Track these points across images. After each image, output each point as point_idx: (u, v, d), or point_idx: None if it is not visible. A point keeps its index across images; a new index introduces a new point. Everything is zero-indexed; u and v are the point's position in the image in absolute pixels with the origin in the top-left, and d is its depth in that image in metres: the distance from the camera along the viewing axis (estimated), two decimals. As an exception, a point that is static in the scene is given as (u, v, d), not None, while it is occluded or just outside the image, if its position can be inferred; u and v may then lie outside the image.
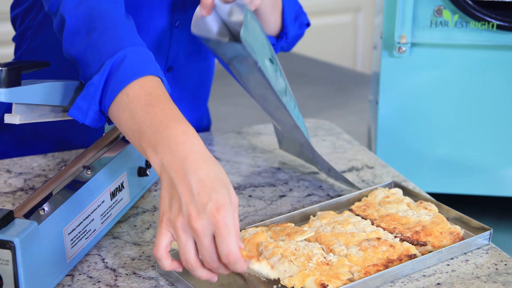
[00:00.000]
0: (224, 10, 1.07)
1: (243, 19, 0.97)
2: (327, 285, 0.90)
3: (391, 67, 1.49)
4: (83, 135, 1.30)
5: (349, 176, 1.26)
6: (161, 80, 0.95)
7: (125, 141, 1.13)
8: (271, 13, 1.23)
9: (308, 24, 1.32)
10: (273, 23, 1.25)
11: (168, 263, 0.86)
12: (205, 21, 1.07)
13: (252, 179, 1.24)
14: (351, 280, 0.92)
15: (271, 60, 1.03)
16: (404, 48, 1.46)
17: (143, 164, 1.15)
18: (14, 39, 1.39)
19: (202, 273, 0.86)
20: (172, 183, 0.84)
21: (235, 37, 1.07)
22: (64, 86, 1.01)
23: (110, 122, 0.97)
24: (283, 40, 1.28)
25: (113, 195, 1.05)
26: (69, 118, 1.02)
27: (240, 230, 1.01)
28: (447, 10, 1.43)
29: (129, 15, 1.05)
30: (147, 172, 1.14)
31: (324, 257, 0.94)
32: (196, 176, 0.83)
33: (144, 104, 0.90)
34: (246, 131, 1.47)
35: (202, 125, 1.50)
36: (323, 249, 0.98)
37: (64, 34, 1.01)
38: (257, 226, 1.03)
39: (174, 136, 0.86)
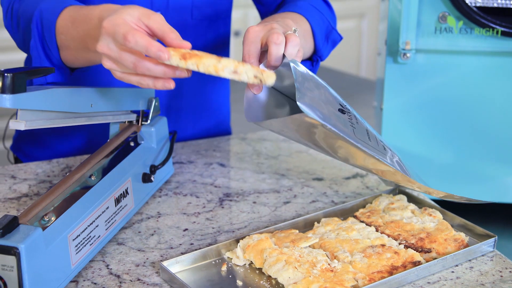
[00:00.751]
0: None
1: (294, 83, 0.92)
2: None
3: (396, 73, 1.48)
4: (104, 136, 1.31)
5: (353, 183, 1.26)
6: (77, 5, 1.07)
7: (129, 147, 1.13)
8: (304, 44, 1.17)
9: (340, 39, 1.28)
10: (307, 51, 1.20)
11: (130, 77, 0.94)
12: (258, 101, 1.02)
13: (256, 185, 1.24)
14: (355, 287, 0.92)
15: (341, 110, 0.97)
16: (408, 54, 1.45)
17: (147, 170, 1.15)
18: None
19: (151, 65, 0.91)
20: (105, 40, 0.92)
21: (293, 99, 1.03)
22: (70, 92, 1.01)
23: (72, 70, 1.10)
24: (318, 63, 1.24)
25: (117, 201, 1.05)
26: (76, 124, 1.04)
27: (245, 237, 1.01)
28: (451, 17, 1.43)
29: None
30: (152, 178, 1.14)
31: (329, 264, 0.94)
32: (104, 18, 0.92)
33: (71, 24, 1.02)
34: (251, 137, 1.47)
35: (222, 129, 1.50)
36: (327, 256, 0.98)
37: (13, 39, 1.19)
38: (261, 233, 1.03)
39: (97, 16, 0.96)
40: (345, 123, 0.95)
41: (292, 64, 0.94)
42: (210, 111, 1.48)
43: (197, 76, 1.38)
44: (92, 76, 1.29)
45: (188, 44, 0.90)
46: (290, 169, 1.32)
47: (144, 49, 0.88)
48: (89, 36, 0.99)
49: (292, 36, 0.97)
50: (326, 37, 1.23)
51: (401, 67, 1.47)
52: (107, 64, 0.93)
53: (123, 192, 1.07)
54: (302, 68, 0.96)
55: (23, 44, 1.16)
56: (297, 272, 0.92)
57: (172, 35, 0.90)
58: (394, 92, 1.49)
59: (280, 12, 1.20)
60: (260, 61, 0.99)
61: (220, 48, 1.41)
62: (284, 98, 1.04)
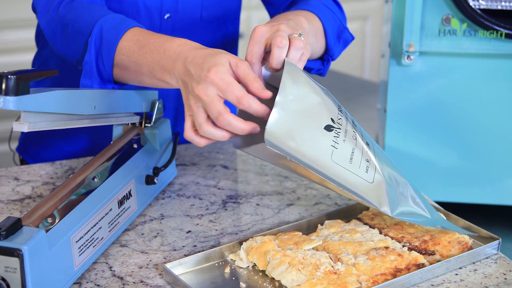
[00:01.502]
0: (275, 78, 1.00)
1: (277, 95, 0.90)
2: None
3: (399, 75, 1.48)
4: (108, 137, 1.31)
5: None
6: (140, 27, 1.08)
7: (133, 149, 1.13)
8: (315, 43, 1.16)
9: (352, 39, 1.27)
10: (318, 50, 1.19)
11: (198, 138, 0.95)
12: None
13: (259, 187, 1.24)
14: (359, 289, 0.92)
15: (328, 127, 0.93)
16: (412, 57, 1.45)
17: (150, 172, 1.15)
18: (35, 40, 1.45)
19: (214, 131, 0.93)
20: (186, 85, 0.94)
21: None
22: (73, 94, 1.01)
23: (116, 84, 1.11)
24: (329, 62, 1.23)
25: (120, 203, 1.05)
26: (79, 126, 1.05)
27: (248, 239, 1.01)
28: (455, 19, 1.42)
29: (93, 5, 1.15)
30: (155, 180, 1.14)
31: (332, 266, 0.94)
32: (192, 63, 0.93)
33: (139, 49, 1.03)
34: None
35: None
36: (330, 258, 0.97)
37: (48, 40, 1.16)
38: (264, 235, 1.03)
39: (174, 51, 0.97)
40: (324, 145, 0.92)
41: (285, 75, 0.91)
42: None
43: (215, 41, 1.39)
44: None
45: (268, 94, 0.92)
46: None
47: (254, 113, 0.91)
48: (159, 66, 0.99)
49: (296, 40, 0.96)
50: (337, 36, 1.23)
51: (404, 69, 1.47)
52: (192, 105, 0.93)
53: (126, 194, 1.07)
54: (298, 77, 0.93)
55: (62, 48, 1.15)
56: (301, 274, 0.92)
57: (256, 84, 0.92)
58: (397, 94, 1.49)
59: (292, 10, 1.19)
60: (263, 62, 0.99)
61: (228, 48, 1.41)
62: None
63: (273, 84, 1.00)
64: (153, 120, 1.19)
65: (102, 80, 1.10)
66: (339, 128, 0.94)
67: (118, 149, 1.11)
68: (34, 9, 1.38)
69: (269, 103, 0.93)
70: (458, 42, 1.44)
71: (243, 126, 0.91)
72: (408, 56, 1.45)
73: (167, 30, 1.30)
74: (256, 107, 0.90)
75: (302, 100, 0.92)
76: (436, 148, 1.49)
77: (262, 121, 0.93)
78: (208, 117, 0.92)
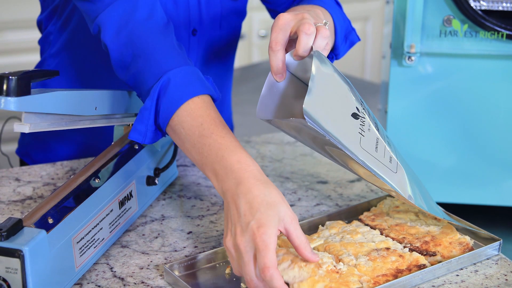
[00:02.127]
0: (299, 67, 1.00)
1: (309, 81, 0.90)
2: None
3: (400, 76, 1.47)
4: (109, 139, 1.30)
5: (358, 186, 1.26)
6: (210, 95, 1.01)
7: (133, 150, 1.13)
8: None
9: (358, 40, 1.27)
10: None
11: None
12: (275, 94, 1.01)
13: (260, 188, 1.24)
14: (360, 290, 0.92)
15: (355, 115, 0.95)
16: (413, 58, 1.44)
17: (151, 173, 1.15)
18: (39, 42, 1.40)
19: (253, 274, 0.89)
20: (228, 207, 0.91)
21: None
22: (74, 95, 1.01)
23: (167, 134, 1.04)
24: (333, 60, 1.23)
25: (121, 204, 1.05)
26: (80, 127, 1.05)
27: None
28: (456, 20, 1.42)
29: (168, 28, 1.07)
30: (156, 181, 1.14)
31: (334, 266, 0.94)
32: (245, 199, 0.89)
33: (199, 136, 0.97)
34: (255, 140, 1.46)
35: None
36: (332, 259, 0.97)
37: (112, 63, 1.07)
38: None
39: (230, 166, 0.93)
40: (353, 131, 0.94)
41: (315, 59, 0.92)
42: None
43: (205, 71, 1.38)
44: (98, 78, 1.29)
45: (316, 259, 0.92)
46: (294, 172, 1.31)
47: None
48: (211, 167, 0.95)
49: (322, 28, 0.96)
50: (345, 36, 1.23)
51: (405, 70, 1.46)
52: (230, 248, 0.90)
53: (127, 195, 1.07)
54: (327, 64, 0.94)
55: (125, 76, 1.07)
56: (303, 271, 0.92)
57: (308, 248, 0.91)
58: (398, 95, 1.48)
59: (305, 3, 1.19)
60: (286, 50, 0.98)
61: (231, 46, 1.41)
62: (305, 89, 1.02)
63: (296, 73, 1.01)
64: None
65: (155, 131, 1.04)
66: (364, 118, 0.96)
67: (119, 150, 1.11)
68: (40, 24, 1.36)
69: (293, 101, 0.95)
70: (459, 43, 1.43)
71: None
72: (409, 57, 1.44)
73: (194, 46, 1.29)
74: (277, 284, 0.87)
75: (330, 87, 0.93)
76: (437, 149, 1.49)
77: (293, 101, 0.95)
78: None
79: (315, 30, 0.95)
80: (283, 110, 1.00)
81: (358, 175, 0.99)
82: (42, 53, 1.39)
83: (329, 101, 0.92)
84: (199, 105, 0.99)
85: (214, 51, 1.35)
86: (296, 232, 0.90)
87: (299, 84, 1.01)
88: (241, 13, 1.37)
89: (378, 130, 0.98)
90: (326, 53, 0.99)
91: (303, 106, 0.88)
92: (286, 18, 0.96)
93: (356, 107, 0.95)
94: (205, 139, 0.96)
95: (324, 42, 0.96)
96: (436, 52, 1.44)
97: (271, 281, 0.86)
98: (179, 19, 1.24)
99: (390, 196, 1.15)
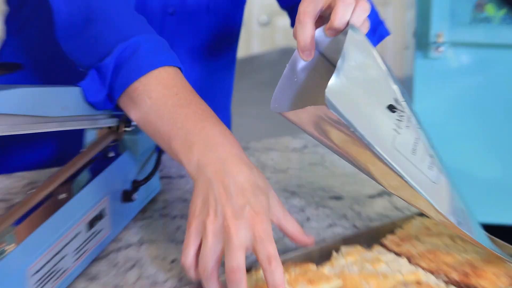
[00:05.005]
0: (331, 46, 0.98)
1: (339, 58, 0.88)
2: None
3: (427, 70, 1.45)
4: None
5: (380, 202, 1.22)
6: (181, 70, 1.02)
7: (107, 158, 1.11)
8: None
9: (387, 35, 1.29)
10: None
11: (192, 273, 0.91)
12: (296, 82, 0.99)
13: (261, 205, 1.19)
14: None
15: (391, 107, 0.92)
16: (441, 48, 1.43)
17: (128, 187, 1.13)
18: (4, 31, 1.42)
19: (193, 276, 0.90)
20: (208, 184, 0.90)
21: None
22: (37, 92, 0.99)
23: (119, 109, 1.03)
24: None
25: (90, 225, 1.02)
26: (45, 130, 1.03)
27: (249, 271, 0.96)
28: (490, 5, 1.43)
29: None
30: (134, 196, 1.12)
31: None
32: (236, 178, 0.89)
33: (172, 105, 0.96)
34: (254, 146, 1.47)
35: None
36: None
37: (57, 30, 1.07)
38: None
39: (212, 137, 0.92)
40: (386, 125, 0.91)
41: (350, 34, 0.90)
42: None
43: (195, 72, 1.36)
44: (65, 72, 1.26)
45: (312, 240, 0.96)
46: (302, 186, 1.29)
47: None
48: (185, 141, 0.93)
49: (362, 1, 0.95)
50: (373, 29, 1.25)
51: (433, 63, 1.43)
52: (210, 230, 0.89)
53: (98, 214, 1.04)
54: (364, 42, 0.93)
55: (73, 44, 1.06)
56: None
57: (303, 233, 0.96)
58: (425, 92, 1.46)
59: None
60: (316, 27, 0.97)
61: (232, 40, 1.44)
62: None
63: (327, 54, 0.98)
64: (133, 123, 1.16)
65: (107, 97, 1.02)
66: (403, 111, 0.93)
67: (90, 158, 1.09)
68: None
69: (319, 89, 0.92)
70: (494, 31, 1.41)
71: None
72: (437, 48, 1.42)
73: (170, 26, 1.30)
74: (279, 277, 0.87)
75: (365, 70, 0.91)
76: (472, 157, 1.46)
77: (316, 88, 0.94)
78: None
79: (354, 2, 0.94)
80: (305, 99, 0.98)
81: (383, 185, 0.95)
82: (4, 46, 1.41)
83: (360, 86, 0.90)
84: (173, 75, 1.00)
85: (204, 42, 1.36)
86: (287, 217, 0.94)
87: (328, 67, 0.99)
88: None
89: (420, 128, 0.95)
90: (364, 31, 0.97)
91: (326, 88, 0.85)
92: None
93: (395, 98, 0.92)
94: (180, 109, 0.96)
95: (363, 16, 0.95)
96: (467, 42, 1.42)
97: (275, 270, 0.87)
98: None
99: (420, 215, 1.11)
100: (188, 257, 0.90)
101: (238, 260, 0.87)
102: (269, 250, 0.87)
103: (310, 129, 0.94)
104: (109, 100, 1.02)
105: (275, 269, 0.87)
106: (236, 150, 0.93)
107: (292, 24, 1.42)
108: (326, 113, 0.85)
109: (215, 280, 0.89)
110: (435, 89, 1.44)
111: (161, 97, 0.97)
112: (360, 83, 0.89)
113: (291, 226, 0.94)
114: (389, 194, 1.24)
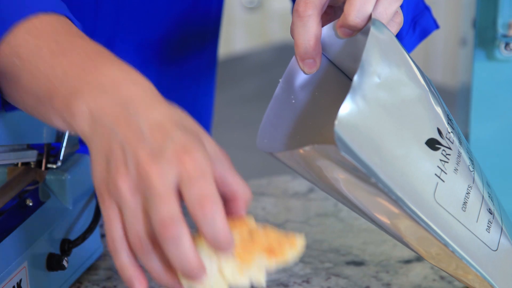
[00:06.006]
0: (344, 51, 1.00)
1: (356, 71, 0.88)
2: None
3: (491, 75, 1.49)
4: None
5: (418, 269, 1.25)
6: (70, 20, 1.02)
7: (25, 208, 1.13)
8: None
9: (435, 28, 1.29)
10: None
11: (125, 256, 0.91)
12: (293, 108, 1.01)
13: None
14: None
15: (432, 143, 0.94)
16: None
17: (57, 250, 1.15)
18: None
19: (128, 262, 0.90)
20: (108, 135, 0.90)
21: None
22: None
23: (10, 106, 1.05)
24: None
25: None
26: None
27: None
28: None
29: None
30: (64, 263, 1.14)
31: None
32: (147, 117, 0.90)
33: (51, 56, 0.96)
34: None
35: None
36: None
37: None
38: None
39: (108, 77, 0.93)
40: (426, 171, 0.93)
41: (371, 37, 0.90)
42: None
43: (151, 80, 1.41)
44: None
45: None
46: (306, 246, 1.26)
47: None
48: (67, 92, 0.94)
49: None
50: (412, 20, 1.25)
51: (500, 66, 1.48)
52: (127, 189, 0.89)
53: (13, 287, 1.07)
54: (395, 46, 0.93)
55: None
56: None
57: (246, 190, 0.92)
58: (487, 108, 1.50)
59: None
60: (323, 23, 0.98)
61: (207, 32, 1.46)
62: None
63: (340, 63, 1.01)
64: (61, 157, 1.20)
65: None
66: (449, 148, 0.94)
67: (0, 208, 1.11)
68: None
69: (326, 118, 0.95)
70: None
71: (196, 263, 0.88)
72: (507, 44, 1.45)
73: (109, 9, 1.33)
74: (221, 226, 0.87)
75: (394, 89, 0.92)
76: None
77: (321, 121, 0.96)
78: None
79: None
80: (307, 131, 1.00)
81: (419, 252, 0.98)
82: None
83: (387, 114, 0.91)
84: (53, 22, 1.00)
85: (163, 35, 1.38)
86: (233, 173, 0.91)
87: (342, 81, 1.01)
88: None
89: (474, 171, 0.97)
90: (395, 27, 0.99)
91: (337, 119, 0.86)
92: None
93: (438, 129, 0.94)
94: (61, 57, 0.96)
95: (393, 7, 0.97)
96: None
97: (213, 218, 0.86)
98: None
99: None
100: (114, 236, 0.90)
101: (168, 209, 0.86)
102: (202, 189, 0.86)
103: (314, 177, 0.97)
104: None
105: (211, 213, 0.86)
106: (145, 88, 0.93)
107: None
108: (336, 155, 0.87)
109: (154, 253, 0.88)
110: (502, 102, 1.49)
111: (34, 49, 0.98)
112: (388, 108, 0.90)
113: (239, 185, 0.91)
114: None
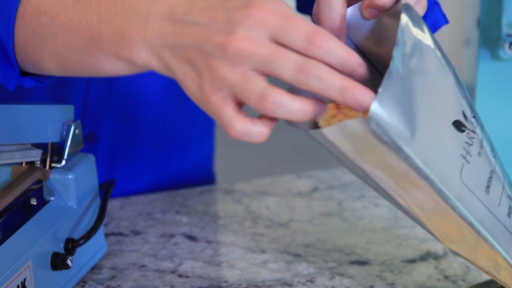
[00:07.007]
0: (370, 33, 0.99)
1: (393, 55, 0.87)
2: None
3: (495, 75, 1.49)
4: None
5: (423, 269, 1.26)
6: None
7: (29, 208, 1.13)
8: None
9: (445, 23, 1.29)
10: None
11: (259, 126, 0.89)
12: None
13: (252, 274, 1.24)
14: None
15: (458, 125, 0.94)
16: None
17: (61, 249, 1.15)
18: None
19: (250, 126, 0.89)
20: (177, 51, 0.89)
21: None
22: None
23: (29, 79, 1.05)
24: None
25: None
26: None
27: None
28: None
29: None
30: (68, 262, 1.14)
31: None
32: (195, 10, 0.89)
33: (76, 1, 0.97)
34: (242, 189, 1.48)
35: (199, 175, 1.54)
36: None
37: None
38: None
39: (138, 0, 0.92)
40: (452, 150, 0.93)
41: (404, 17, 0.90)
42: (184, 144, 1.52)
43: (164, 88, 1.44)
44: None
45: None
46: (310, 245, 1.32)
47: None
48: (118, 27, 0.94)
49: None
50: (424, 14, 1.23)
51: (504, 66, 1.48)
52: (211, 94, 0.89)
53: (18, 286, 1.07)
54: (424, 30, 0.93)
55: None
56: None
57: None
58: (491, 106, 1.50)
59: None
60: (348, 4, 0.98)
61: None
62: (374, 74, 1.00)
63: (363, 44, 1.01)
64: (65, 156, 1.20)
65: (5, 60, 1.04)
66: (473, 132, 0.95)
67: (4, 208, 1.11)
68: None
69: None
70: None
71: (304, 107, 0.86)
72: (511, 44, 1.45)
73: None
74: (341, 49, 0.86)
75: (426, 68, 0.92)
76: None
77: None
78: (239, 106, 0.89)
79: None
80: None
81: (436, 234, 0.98)
82: None
83: (418, 94, 0.90)
84: None
85: None
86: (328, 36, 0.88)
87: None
88: None
89: (496, 158, 0.98)
90: (421, 11, 0.98)
91: (377, 95, 0.86)
92: None
93: (463, 112, 0.94)
94: (88, 0, 0.97)
95: None
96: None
97: (329, 46, 0.85)
98: None
99: (491, 283, 1.16)
100: (234, 116, 0.88)
101: (257, 86, 0.86)
102: (300, 29, 0.85)
103: (341, 154, 0.94)
104: (8, 64, 1.03)
105: (325, 43, 0.85)
106: None
107: (299, 7, 1.43)
108: (370, 130, 0.85)
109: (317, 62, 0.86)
110: (506, 102, 1.50)
111: (58, 2, 0.98)
112: (421, 87, 0.90)
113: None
114: (436, 256, 1.27)
